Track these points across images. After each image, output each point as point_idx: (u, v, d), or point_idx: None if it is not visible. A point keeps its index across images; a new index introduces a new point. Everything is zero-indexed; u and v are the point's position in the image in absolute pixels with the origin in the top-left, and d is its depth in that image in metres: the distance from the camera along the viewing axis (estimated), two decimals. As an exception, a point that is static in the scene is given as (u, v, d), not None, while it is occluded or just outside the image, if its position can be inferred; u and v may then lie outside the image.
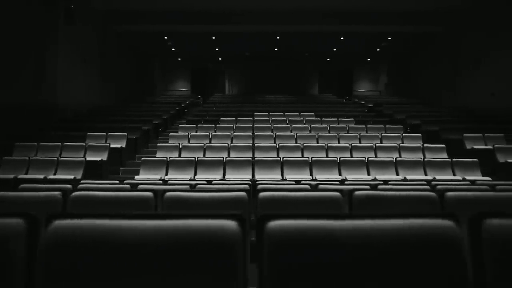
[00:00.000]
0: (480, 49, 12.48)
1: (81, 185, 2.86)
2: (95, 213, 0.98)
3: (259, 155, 7.01)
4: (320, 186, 2.77)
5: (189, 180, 5.70)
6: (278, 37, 15.74)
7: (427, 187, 2.80)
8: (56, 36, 10.73)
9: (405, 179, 5.88)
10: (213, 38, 15.78)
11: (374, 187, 2.91)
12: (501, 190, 2.08)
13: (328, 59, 19.56)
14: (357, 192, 1.88)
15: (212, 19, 13.66)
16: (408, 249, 0.79)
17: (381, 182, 4.28)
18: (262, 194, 1.88)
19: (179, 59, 19.51)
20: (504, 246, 0.79)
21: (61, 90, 10.85)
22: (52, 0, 10.49)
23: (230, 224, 0.87)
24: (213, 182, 4.07)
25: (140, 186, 2.78)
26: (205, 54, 18.72)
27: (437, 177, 6.03)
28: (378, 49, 17.72)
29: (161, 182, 4.30)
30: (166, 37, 15.80)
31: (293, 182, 3.88)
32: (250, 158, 6.36)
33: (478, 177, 6.15)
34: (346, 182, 3.93)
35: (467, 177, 6.06)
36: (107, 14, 13.47)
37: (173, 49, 17.59)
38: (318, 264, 0.80)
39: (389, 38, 15.94)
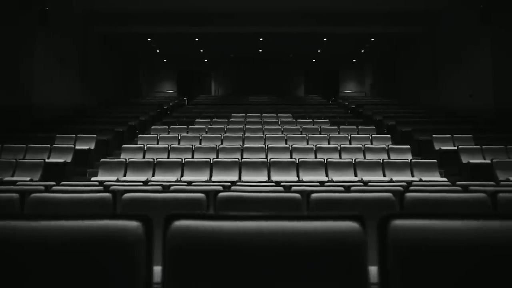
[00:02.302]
0: (458, 50, 12.53)
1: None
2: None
3: (223, 157, 7.02)
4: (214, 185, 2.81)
5: (145, 181, 5.71)
6: (261, 39, 15.77)
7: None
8: (33, 37, 10.73)
9: (361, 181, 5.90)
10: (196, 39, 15.81)
11: (288, 188, 2.92)
12: (376, 192, 2.09)
13: (314, 60, 19.59)
14: (220, 194, 1.91)
15: (194, 20, 13.69)
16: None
17: (316, 184, 4.27)
18: (126, 195, 1.93)
19: (165, 60, 19.52)
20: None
21: (37, 91, 10.83)
22: (28, 1, 10.50)
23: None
24: (149, 183, 4.07)
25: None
26: (191, 56, 18.75)
27: (394, 178, 6.05)
28: (362, 50, 17.78)
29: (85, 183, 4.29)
30: (149, 39, 15.82)
31: (221, 184, 3.91)
32: (209, 160, 6.36)
33: (435, 177, 6.17)
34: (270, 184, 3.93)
35: (424, 178, 6.09)
36: (88, 15, 13.47)
37: (157, 50, 17.61)
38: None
39: (372, 39, 15.99)
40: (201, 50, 17.69)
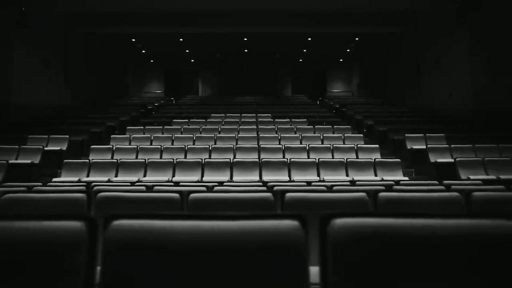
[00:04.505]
0: (438, 50, 12.56)
1: None
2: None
3: (192, 157, 7.03)
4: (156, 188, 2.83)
5: (107, 181, 5.72)
6: (245, 39, 15.78)
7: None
8: (11, 37, 10.71)
9: (323, 180, 5.92)
10: (181, 39, 15.81)
11: (210, 189, 2.94)
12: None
13: (301, 60, 19.59)
14: (99, 194, 1.94)
15: (179, 21, 13.69)
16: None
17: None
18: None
19: (152, 61, 19.52)
20: None
21: (16, 91, 10.81)
22: (6, 1, 10.49)
23: None
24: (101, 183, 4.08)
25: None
26: (177, 56, 18.75)
27: (357, 178, 6.06)
28: (348, 50, 17.80)
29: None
30: (133, 39, 15.82)
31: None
32: (172, 161, 6.37)
33: (397, 177, 6.18)
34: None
35: (386, 177, 6.10)
36: (72, 15, 13.46)
37: (143, 51, 17.61)
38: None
39: (357, 39, 16.01)
40: (187, 51, 17.69)
